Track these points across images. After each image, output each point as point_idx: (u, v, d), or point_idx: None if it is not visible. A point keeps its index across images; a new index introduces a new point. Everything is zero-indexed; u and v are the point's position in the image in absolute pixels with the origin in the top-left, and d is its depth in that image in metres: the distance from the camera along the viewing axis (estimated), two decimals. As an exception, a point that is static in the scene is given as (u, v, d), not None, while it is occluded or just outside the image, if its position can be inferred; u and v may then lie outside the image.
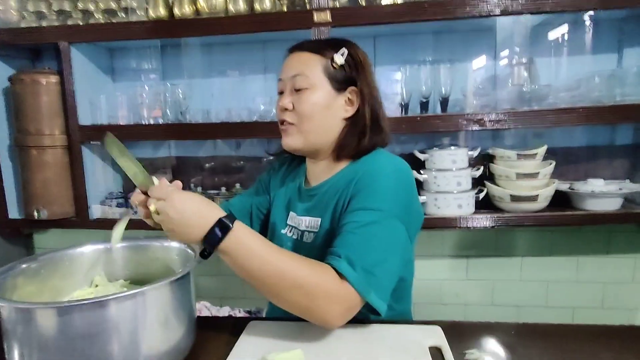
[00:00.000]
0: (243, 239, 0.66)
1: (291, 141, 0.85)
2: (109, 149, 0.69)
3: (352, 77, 0.84)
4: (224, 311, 1.12)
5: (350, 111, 0.85)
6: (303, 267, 0.67)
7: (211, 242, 0.65)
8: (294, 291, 0.66)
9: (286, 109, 0.84)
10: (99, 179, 1.69)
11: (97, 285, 0.79)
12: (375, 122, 0.85)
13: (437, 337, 0.72)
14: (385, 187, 0.76)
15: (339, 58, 0.82)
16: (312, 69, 0.83)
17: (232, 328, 0.78)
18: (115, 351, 0.58)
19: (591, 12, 1.43)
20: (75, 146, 1.56)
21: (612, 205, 1.42)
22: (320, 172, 0.89)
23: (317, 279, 0.66)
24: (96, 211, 1.65)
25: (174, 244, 0.79)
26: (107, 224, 1.61)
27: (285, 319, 0.79)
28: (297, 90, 0.83)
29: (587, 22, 1.52)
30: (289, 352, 0.64)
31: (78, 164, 1.57)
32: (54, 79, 1.55)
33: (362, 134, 0.84)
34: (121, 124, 1.59)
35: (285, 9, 1.48)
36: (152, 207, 0.67)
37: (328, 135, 0.85)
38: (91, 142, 1.62)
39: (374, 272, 0.69)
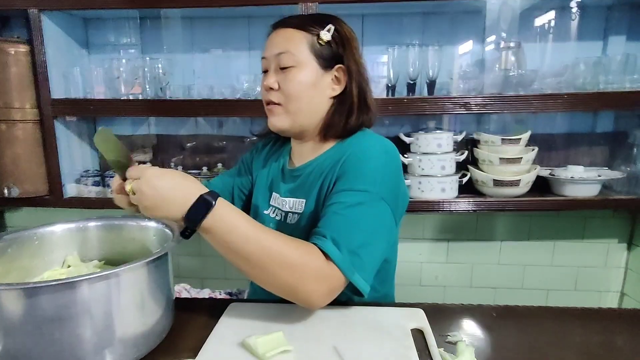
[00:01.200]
0: (226, 216, 0.63)
1: (278, 122, 0.82)
2: (98, 144, 0.64)
3: (339, 54, 0.81)
4: (204, 293, 1.10)
5: (337, 90, 0.82)
6: (288, 246, 0.65)
7: (192, 219, 0.62)
8: (279, 270, 0.64)
9: (272, 89, 0.81)
10: (75, 156, 1.63)
11: (69, 266, 0.76)
12: (362, 101, 0.83)
13: (419, 319, 0.72)
14: (373, 169, 0.75)
15: (325, 34, 0.79)
16: (297, 46, 0.79)
17: (212, 310, 0.76)
18: (88, 335, 0.56)
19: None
20: (47, 121, 1.49)
21: (590, 191, 1.45)
22: (306, 152, 0.87)
23: (302, 258, 0.65)
24: (71, 190, 1.59)
25: (151, 224, 0.76)
26: (82, 203, 1.56)
27: (267, 300, 0.78)
28: (283, 69, 0.79)
29: (574, 9, 1.51)
30: (270, 335, 0.63)
31: (51, 140, 1.50)
32: (23, 48, 1.45)
33: (350, 113, 0.82)
34: (98, 98, 1.52)
35: (271, -18, 1.42)
36: (127, 187, 0.64)
37: (315, 115, 0.82)
38: (66, 118, 1.55)
39: (359, 254, 0.68)
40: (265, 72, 0.84)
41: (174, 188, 0.62)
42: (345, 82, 0.82)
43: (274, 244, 0.64)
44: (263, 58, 0.83)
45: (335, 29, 0.80)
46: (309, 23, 0.81)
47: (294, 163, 0.90)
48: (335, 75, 0.82)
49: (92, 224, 0.78)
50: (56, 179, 1.53)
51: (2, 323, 0.53)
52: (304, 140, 0.87)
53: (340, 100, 0.83)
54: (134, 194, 0.63)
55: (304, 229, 0.80)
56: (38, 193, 1.54)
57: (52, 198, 1.55)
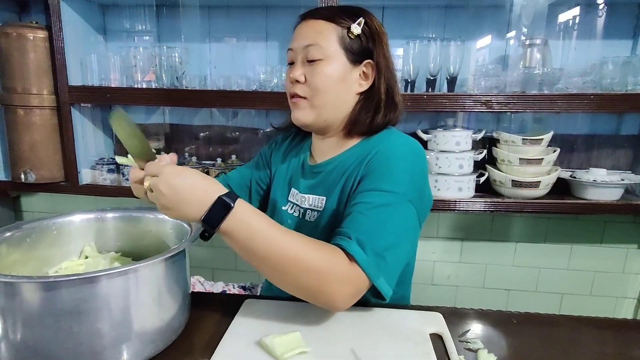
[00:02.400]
0: (246, 218, 0.62)
1: (302, 116, 0.80)
2: (114, 125, 0.63)
3: (369, 48, 0.79)
4: (218, 287, 1.10)
5: (364, 85, 0.80)
6: (312, 249, 0.63)
7: (211, 222, 0.60)
8: (302, 274, 0.62)
9: (298, 82, 0.78)
10: (90, 142, 1.63)
11: (86, 257, 0.76)
12: (390, 98, 0.81)
13: (438, 324, 0.70)
14: (400, 169, 0.72)
15: (356, 28, 0.77)
16: (327, 39, 0.77)
17: (227, 306, 0.76)
18: (106, 329, 0.56)
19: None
20: (64, 107, 1.49)
21: (612, 195, 1.41)
22: (328, 148, 0.85)
23: (327, 262, 0.63)
24: (86, 176, 1.60)
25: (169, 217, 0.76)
26: (97, 190, 1.57)
27: (282, 298, 0.77)
28: (310, 62, 0.77)
29: (602, 5, 1.46)
30: (287, 335, 0.62)
31: (67, 126, 1.50)
32: (41, 34, 1.45)
33: (377, 110, 0.80)
34: (113, 86, 1.51)
35: (291, -29, 1.39)
36: (146, 184, 0.63)
37: (341, 110, 0.80)
38: (82, 105, 1.55)
39: (384, 256, 0.66)
40: (291, 64, 0.81)
41: (192, 188, 0.60)
42: (373, 77, 0.80)
43: (297, 247, 0.63)
44: (290, 50, 0.81)
45: (365, 23, 0.78)
46: (340, 15, 0.78)
47: (315, 159, 0.88)
48: (363, 71, 0.80)
49: (109, 215, 0.78)
50: (72, 166, 1.54)
51: (21, 316, 0.53)
52: (327, 135, 0.85)
53: (367, 96, 0.81)
54: (151, 191, 0.62)
55: (324, 227, 0.79)
56: (54, 179, 1.55)
57: (68, 184, 1.56)
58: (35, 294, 0.53)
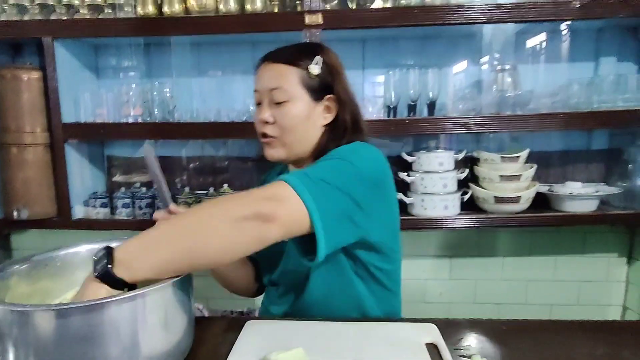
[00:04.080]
0: (128, 240, 0.63)
1: (275, 153, 0.86)
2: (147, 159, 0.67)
3: (329, 84, 0.85)
4: (217, 313, 1.12)
5: (329, 118, 0.86)
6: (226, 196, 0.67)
7: (101, 265, 0.60)
8: (212, 209, 0.63)
9: (267, 122, 0.84)
10: (82, 178, 1.65)
11: None
12: (355, 126, 0.87)
13: (432, 334, 0.74)
14: (349, 149, 0.78)
15: (315, 68, 0.83)
16: (289, 82, 0.82)
17: (229, 328, 0.78)
18: (115, 354, 0.58)
19: (569, 22, 1.50)
20: (58, 144, 1.52)
21: (588, 207, 1.49)
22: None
23: (246, 191, 0.65)
24: (79, 211, 1.61)
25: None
26: (90, 224, 1.58)
27: (283, 318, 0.80)
28: (277, 104, 0.83)
29: (565, 31, 1.59)
30: (290, 351, 0.65)
31: (61, 163, 1.53)
32: (35, 74, 1.50)
33: (342, 138, 0.85)
34: (106, 122, 1.56)
35: (276, 9, 1.49)
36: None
37: (309, 143, 0.86)
38: (75, 141, 1.58)
39: (311, 178, 0.67)
40: (258, 104, 0.87)
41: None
42: (336, 110, 0.86)
43: (205, 205, 0.65)
44: (255, 91, 0.86)
45: (323, 61, 0.84)
46: (298, 57, 0.84)
47: None
48: (326, 105, 0.86)
49: (114, 244, 0.80)
50: (65, 201, 1.55)
51: (35, 343, 0.55)
52: (299, 165, 0.90)
53: (332, 127, 0.87)
54: None
55: (301, 241, 0.80)
56: (46, 215, 1.55)
57: (60, 220, 1.57)
58: (48, 322, 0.55)
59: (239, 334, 0.74)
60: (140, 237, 0.63)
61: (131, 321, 0.59)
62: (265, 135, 0.86)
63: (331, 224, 0.68)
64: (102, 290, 0.60)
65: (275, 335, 0.74)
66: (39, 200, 1.53)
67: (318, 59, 0.83)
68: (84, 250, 0.78)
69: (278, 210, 0.63)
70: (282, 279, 0.94)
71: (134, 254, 0.61)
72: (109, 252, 0.61)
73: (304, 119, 0.83)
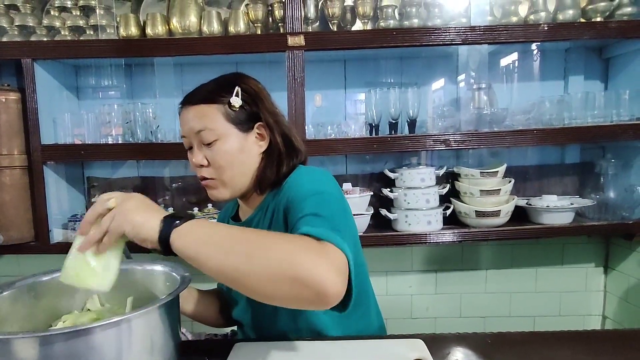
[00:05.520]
0: (203, 221, 0.64)
1: (218, 194, 0.84)
2: None
3: (254, 112, 0.84)
4: (200, 336, 1.10)
5: (263, 145, 0.85)
6: (273, 233, 0.63)
7: (172, 219, 0.62)
8: (280, 250, 0.58)
9: (202, 166, 0.82)
10: (61, 200, 1.61)
11: (88, 309, 0.77)
12: (289, 147, 0.86)
13: (420, 349, 0.75)
14: (312, 180, 0.79)
15: (236, 100, 0.81)
16: (213, 120, 0.80)
17: (217, 351, 0.77)
18: (101, 380, 0.56)
19: (539, 44, 1.58)
20: (37, 166, 1.48)
21: (565, 219, 1.54)
22: (249, 205, 0.90)
23: (292, 238, 0.61)
24: (57, 235, 1.57)
25: (157, 268, 0.78)
26: (68, 248, 1.53)
27: (269, 338, 0.79)
28: (207, 145, 0.81)
29: (535, 51, 1.67)
30: (279, 372, 0.65)
31: (40, 185, 1.49)
32: (14, 96, 1.47)
33: (280, 164, 0.84)
34: (87, 143, 1.53)
35: (259, 31, 1.52)
36: (111, 202, 0.64)
37: (249, 174, 0.85)
38: (54, 162, 1.54)
39: (339, 229, 0.66)
40: (190, 148, 0.85)
41: (144, 201, 0.66)
42: (268, 135, 0.85)
43: (259, 233, 0.62)
44: (183, 137, 0.85)
45: (242, 90, 0.82)
46: (217, 93, 0.82)
47: (241, 217, 0.94)
48: (257, 132, 0.84)
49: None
50: (43, 225, 1.51)
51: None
52: (246, 199, 0.89)
53: (268, 153, 0.85)
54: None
55: None
56: (23, 240, 1.51)
57: (38, 244, 1.52)
58: (30, 350, 0.54)
59: (227, 357, 0.74)
60: (206, 228, 0.62)
61: (117, 346, 0.58)
62: (204, 179, 0.84)
63: (350, 238, 0.69)
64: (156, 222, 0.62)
65: (264, 356, 0.73)
66: (15, 224, 1.48)
67: (237, 90, 0.81)
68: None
69: (339, 294, 0.58)
70: (246, 315, 0.92)
71: (191, 244, 0.61)
72: (182, 217, 0.62)
73: (237, 153, 0.82)
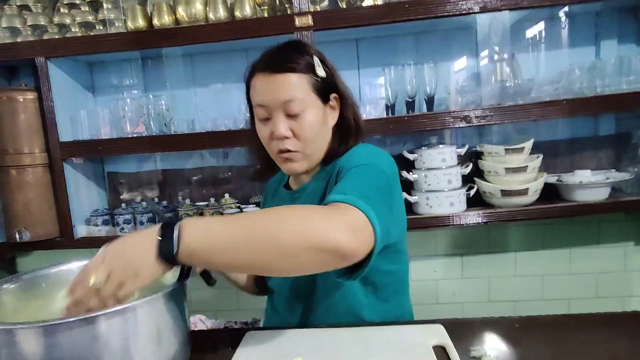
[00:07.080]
0: (196, 222, 0.59)
1: (298, 167, 0.81)
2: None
3: (332, 82, 0.82)
4: (219, 324, 1.09)
5: (335, 117, 0.84)
6: (283, 208, 0.64)
7: (166, 249, 0.56)
8: (285, 226, 0.57)
9: (286, 138, 0.78)
10: (84, 196, 1.65)
11: None
12: (357, 123, 0.85)
13: (440, 335, 0.70)
14: (367, 151, 0.79)
15: (320, 70, 0.79)
16: (303, 91, 0.77)
17: (229, 340, 0.75)
18: (106, 370, 0.55)
19: (566, 8, 1.46)
20: (57, 163, 1.51)
21: (600, 195, 1.43)
22: (305, 175, 0.88)
23: (298, 209, 0.63)
24: (81, 230, 1.60)
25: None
26: (93, 242, 1.57)
27: (284, 327, 0.77)
28: (291, 116, 0.77)
29: (563, 18, 1.55)
30: (290, 361, 0.62)
31: (60, 182, 1.52)
32: (31, 95, 1.50)
33: (347, 138, 0.84)
34: (105, 138, 1.55)
35: (266, 14, 1.47)
36: (92, 280, 0.56)
37: (324, 148, 0.84)
38: (74, 159, 1.57)
39: (368, 196, 0.65)
40: (265, 119, 0.79)
41: (130, 236, 0.60)
42: (338, 108, 0.84)
43: (268, 211, 0.63)
44: (260, 106, 0.78)
45: (321, 61, 0.80)
46: (302, 62, 0.78)
47: (291, 186, 0.92)
48: (330, 105, 0.83)
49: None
50: (67, 221, 1.54)
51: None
52: (308, 172, 0.87)
53: (338, 127, 0.84)
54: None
55: None
56: (49, 236, 1.55)
57: (63, 240, 1.56)
58: (35, 340, 0.53)
59: (238, 345, 0.71)
60: (211, 230, 0.58)
61: (122, 335, 0.57)
62: (285, 151, 0.79)
63: (385, 217, 0.66)
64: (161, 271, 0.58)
65: (275, 345, 0.70)
66: (40, 221, 1.52)
67: (317, 60, 0.79)
68: (75, 267, 0.76)
69: (358, 251, 0.59)
70: (285, 286, 0.91)
71: (201, 250, 0.58)
72: (174, 227, 0.57)
73: (321, 126, 0.80)
